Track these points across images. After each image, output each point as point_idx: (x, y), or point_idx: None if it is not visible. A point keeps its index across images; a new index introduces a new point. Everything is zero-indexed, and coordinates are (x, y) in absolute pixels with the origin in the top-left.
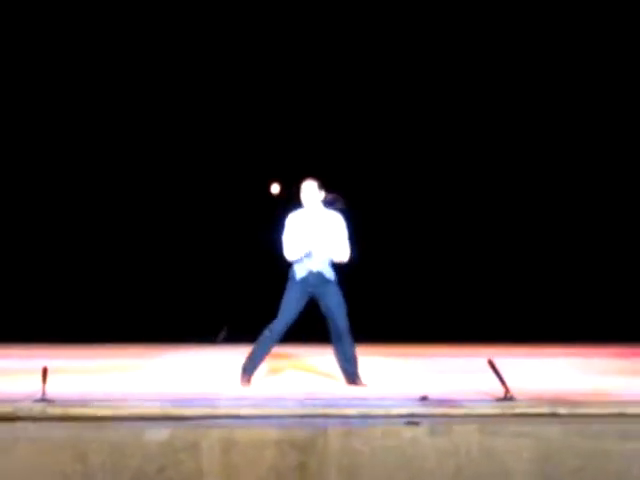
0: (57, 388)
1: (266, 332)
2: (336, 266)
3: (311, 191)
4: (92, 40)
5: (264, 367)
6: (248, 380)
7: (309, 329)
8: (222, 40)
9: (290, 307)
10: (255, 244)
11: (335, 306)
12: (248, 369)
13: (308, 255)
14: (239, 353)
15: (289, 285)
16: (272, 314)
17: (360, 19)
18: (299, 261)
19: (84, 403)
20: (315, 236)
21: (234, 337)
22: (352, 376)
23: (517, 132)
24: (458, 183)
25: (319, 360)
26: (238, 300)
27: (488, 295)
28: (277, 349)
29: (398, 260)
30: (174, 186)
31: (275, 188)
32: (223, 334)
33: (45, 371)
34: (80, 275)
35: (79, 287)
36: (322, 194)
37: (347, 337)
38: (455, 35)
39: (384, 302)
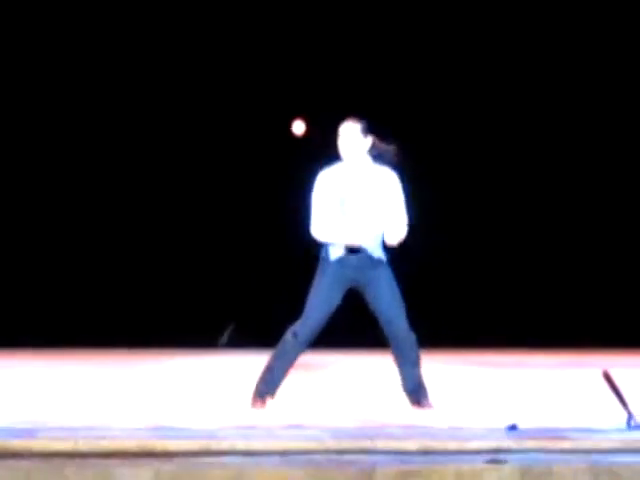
0: None
1: (288, 336)
2: (387, 246)
3: (352, 137)
4: (84, 28)
5: (284, 382)
6: (263, 402)
7: (348, 327)
8: None
9: (321, 301)
10: (270, 211)
11: (388, 300)
12: (264, 388)
13: (347, 231)
14: (248, 360)
15: (320, 270)
16: (295, 310)
17: None
18: (334, 236)
19: (31, 434)
20: (358, 201)
21: (242, 338)
22: (416, 394)
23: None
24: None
25: (362, 371)
26: (247, 290)
27: (596, 288)
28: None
29: (476, 241)
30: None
31: (299, 127)
32: (228, 334)
33: None
34: (47, 265)
35: (40, 278)
36: (369, 142)
37: (408, 341)
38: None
39: (458, 296)
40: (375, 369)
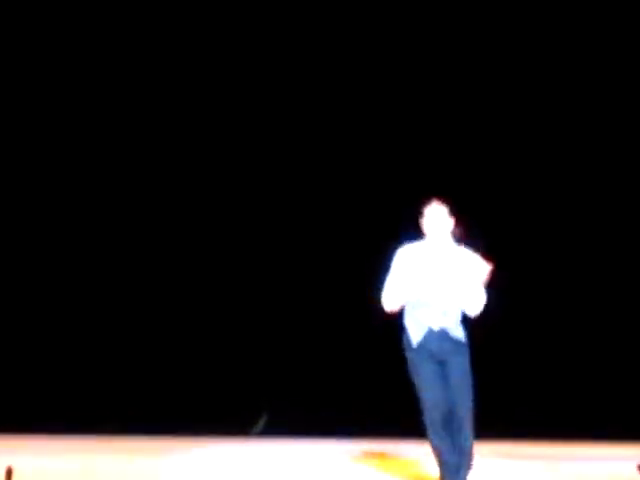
0: None
1: (429, 433)
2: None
3: (440, 218)
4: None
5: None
6: None
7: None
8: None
9: (426, 386)
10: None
11: (457, 382)
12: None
13: (426, 304)
14: (284, 449)
15: (410, 358)
16: (329, 397)
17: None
18: (412, 317)
19: None
20: (438, 279)
21: (278, 426)
22: (454, 475)
23: None
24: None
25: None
26: (282, 377)
27: (630, 378)
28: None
29: (507, 328)
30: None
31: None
32: (262, 423)
33: (9, 473)
34: (59, 336)
35: (54, 352)
36: (452, 223)
37: (465, 429)
38: None
39: (503, 382)
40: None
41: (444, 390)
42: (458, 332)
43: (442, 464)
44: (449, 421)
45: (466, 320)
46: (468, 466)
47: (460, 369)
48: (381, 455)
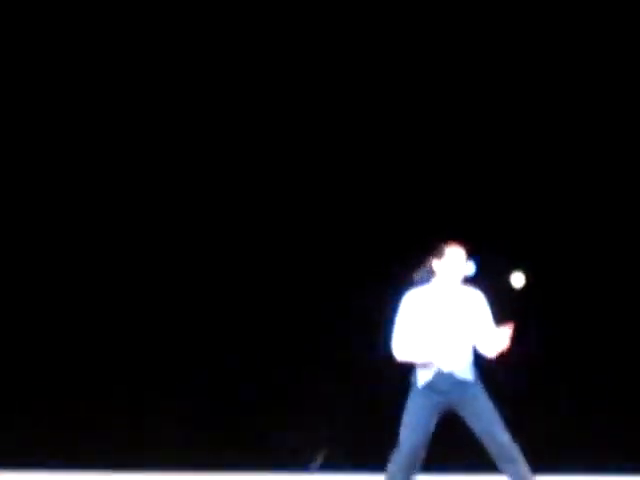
0: None
1: (391, 467)
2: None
3: (458, 261)
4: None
5: None
6: None
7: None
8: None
9: (412, 429)
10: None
11: (485, 416)
12: None
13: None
14: None
15: (410, 396)
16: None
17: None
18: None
19: None
20: (447, 322)
21: (336, 461)
22: None
23: None
24: None
25: None
26: (341, 409)
27: None
28: None
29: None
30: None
31: (519, 280)
32: (320, 458)
33: None
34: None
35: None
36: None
37: (516, 455)
38: None
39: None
40: None
41: (423, 441)
42: (467, 374)
43: None
44: (500, 458)
45: (477, 359)
46: None
47: (480, 402)
48: None
